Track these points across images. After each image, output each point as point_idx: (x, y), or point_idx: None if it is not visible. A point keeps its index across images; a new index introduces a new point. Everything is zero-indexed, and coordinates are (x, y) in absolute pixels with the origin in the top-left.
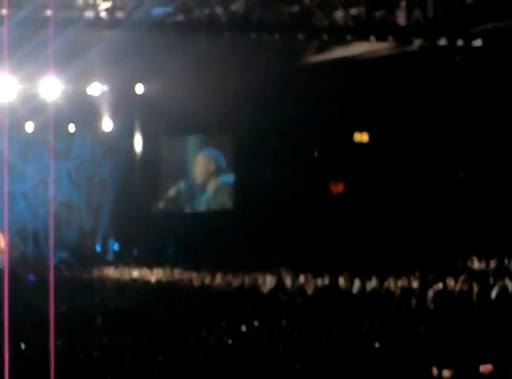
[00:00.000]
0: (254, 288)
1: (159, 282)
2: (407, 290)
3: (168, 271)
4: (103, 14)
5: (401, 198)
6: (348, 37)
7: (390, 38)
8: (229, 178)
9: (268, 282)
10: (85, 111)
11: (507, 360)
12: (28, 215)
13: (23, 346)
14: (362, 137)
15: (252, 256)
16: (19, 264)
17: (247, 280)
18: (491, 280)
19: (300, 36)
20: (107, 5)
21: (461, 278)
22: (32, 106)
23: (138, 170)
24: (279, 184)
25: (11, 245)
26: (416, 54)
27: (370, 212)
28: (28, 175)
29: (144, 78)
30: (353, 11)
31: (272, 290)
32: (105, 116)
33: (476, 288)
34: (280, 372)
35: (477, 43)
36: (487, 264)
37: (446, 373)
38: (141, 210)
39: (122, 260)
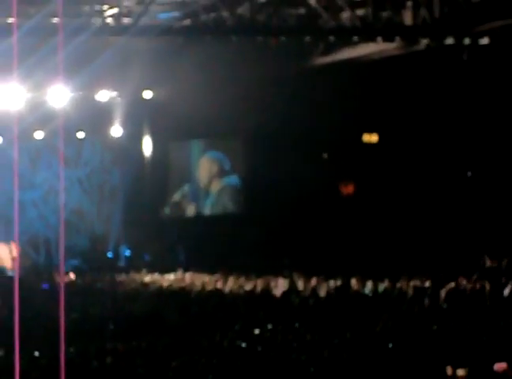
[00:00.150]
0: (267, 291)
1: (171, 286)
2: (419, 290)
3: (180, 275)
4: (109, 21)
5: (412, 198)
6: (355, 38)
7: (397, 38)
8: (233, 179)
9: (280, 284)
10: (94, 118)
11: None
12: (38, 224)
13: (36, 353)
14: (371, 138)
15: (263, 258)
16: (31, 273)
17: (259, 283)
18: (504, 279)
19: (307, 38)
20: (114, 11)
21: (474, 277)
22: (41, 114)
23: (148, 175)
24: (288, 185)
25: (22, 254)
26: (423, 54)
27: (381, 213)
28: (38, 183)
29: (152, 84)
30: (359, 12)
31: (285, 293)
32: (114, 122)
33: (488, 287)
34: (294, 374)
35: (484, 41)
36: (500, 263)
37: (460, 372)
38: (151, 215)
39: (133, 265)
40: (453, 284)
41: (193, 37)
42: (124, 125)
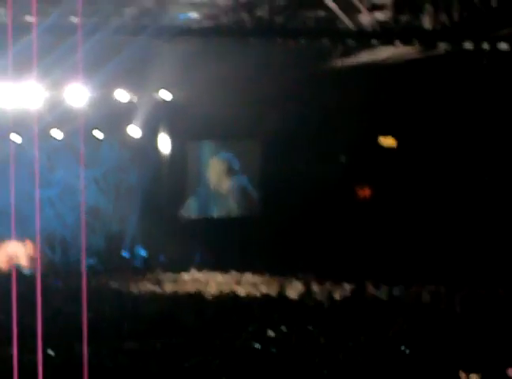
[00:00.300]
0: (281, 293)
1: (185, 287)
2: (434, 295)
3: (195, 276)
4: (128, 20)
5: (429, 203)
6: (374, 41)
7: (416, 42)
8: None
9: (294, 287)
10: (112, 118)
11: None
12: (54, 222)
13: (51, 352)
14: (389, 142)
15: (278, 260)
16: (46, 272)
17: (274, 285)
18: None
19: (325, 41)
20: (133, 11)
21: (489, 281)
22: (59, 113)
23: (165, 176)
24: (303, 187)
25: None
26: (441, 58)
27: (397, 217)
28: (55, 182)
29: (171, 84)
30: (378, 15)
31: (299, 296)
32: (132, 122)
33: (501, 292)
34: (308, 377)
35: (503, 46)
36: None
37: (473, 377)
38: (167, 215)
39: (148, 265)
40: (467, 289)
41: (212, 39)
42: (142, 125)
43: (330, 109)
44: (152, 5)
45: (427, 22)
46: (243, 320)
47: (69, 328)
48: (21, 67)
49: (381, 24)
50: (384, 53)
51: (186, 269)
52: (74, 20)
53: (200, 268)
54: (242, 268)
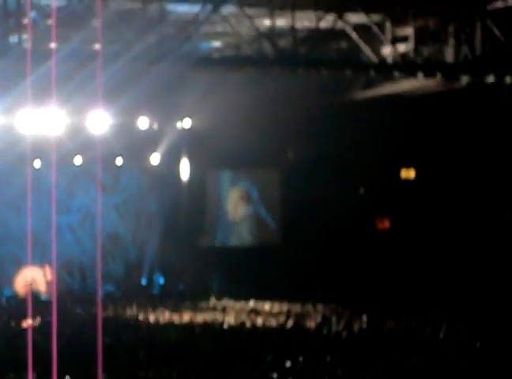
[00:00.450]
0: (299, 323)
1: (203, 316)
2: (452, 328)
3: (213, 304)
4: (150, 47)
5: (448, 235)
6: (396, 73)
7: (438, 74)
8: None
9: (312, 317)
10: (133, 145)
11: None
12: (74, 249)
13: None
14: (409, 174)
15: (296, 290)
16: (65, 298)
17: (292, 315)
18: None
19: (347, 72)
20: (155, 38)
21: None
22: (79, 140)
23: (184, 203)
24: (323, 217)
25: (57, 278)
26: (463, 91)
27: (417, 249)
28: (75, 208)
29: (191, 113)
30: (401, 47)
31: (317, 326)
32: (152, 150)
33: None
34: None
35: None
36: None
37: None
38: (186, 243)
39: (167, 293)
40: (484, 322)
41: (234, 68)
42: (162, 152)
43: (351, 140)
44: (173, 32)
45: (449, 55)
46: (261, 349)
47: (86, 354)
48: (42, 93)
49: (403, 56)
50: (406, 85)
51: (204, 298)
52: (95, 46)
53: (218, 297)
54: (260, 297)
